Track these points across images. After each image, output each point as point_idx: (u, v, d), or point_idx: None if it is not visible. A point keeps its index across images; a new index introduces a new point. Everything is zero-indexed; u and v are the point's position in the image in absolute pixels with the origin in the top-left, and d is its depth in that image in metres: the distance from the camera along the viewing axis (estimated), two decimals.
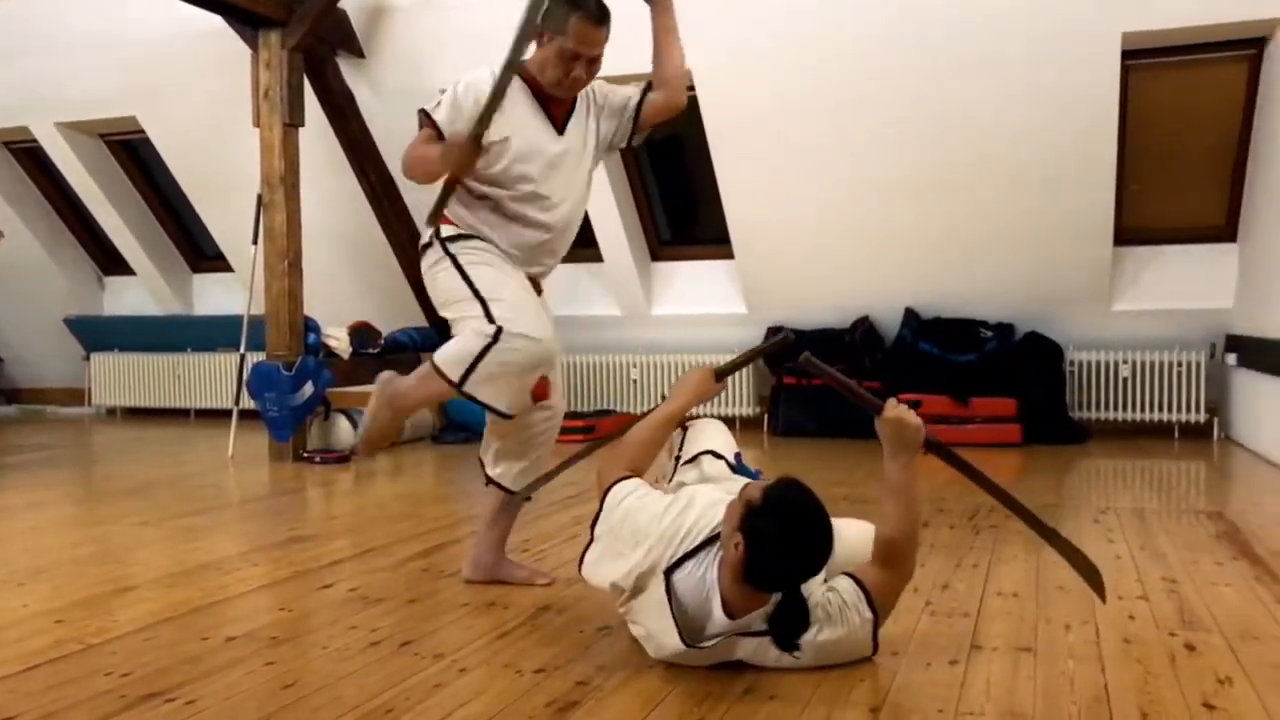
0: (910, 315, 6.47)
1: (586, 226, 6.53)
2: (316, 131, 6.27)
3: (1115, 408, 6.25)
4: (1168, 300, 6.13)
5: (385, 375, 2.78)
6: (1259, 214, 5.57)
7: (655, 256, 7.10)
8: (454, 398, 2.63)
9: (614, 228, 6.63)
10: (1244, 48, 5.41)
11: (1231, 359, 5.84)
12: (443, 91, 2.74)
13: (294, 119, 5.71)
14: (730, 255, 6.68)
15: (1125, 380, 6.20)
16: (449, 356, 2.62)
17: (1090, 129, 5.51)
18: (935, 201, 5.99)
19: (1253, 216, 5.70)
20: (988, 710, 1.99)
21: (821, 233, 6.33)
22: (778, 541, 2.04)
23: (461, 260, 2.68)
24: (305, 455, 5.75)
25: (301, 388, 5.73)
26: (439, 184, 2.69)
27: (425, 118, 2.71)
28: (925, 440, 2.27)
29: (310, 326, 6.01)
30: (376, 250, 7.09)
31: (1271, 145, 5.31)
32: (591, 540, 2.38)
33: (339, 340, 6.19)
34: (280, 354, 5.77)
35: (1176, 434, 6.17)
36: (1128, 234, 6.08)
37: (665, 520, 2.25)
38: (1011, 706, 2.00)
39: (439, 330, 7.32)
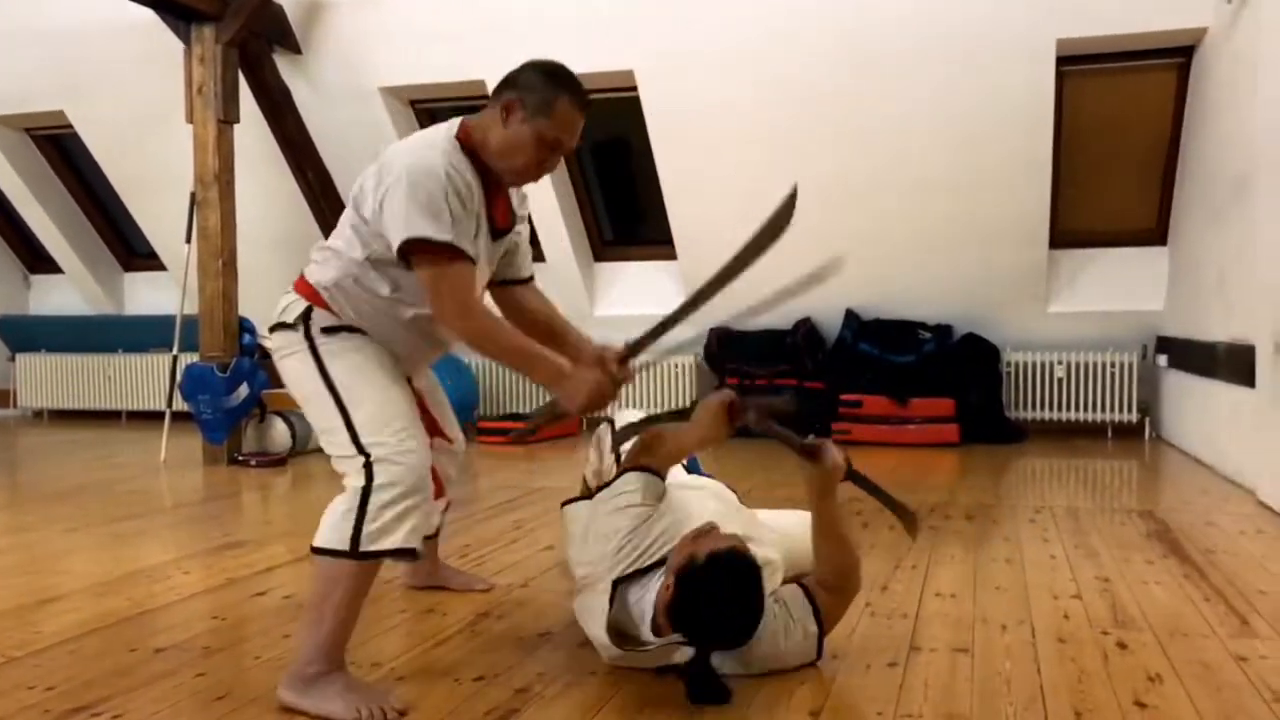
0: (851, 316, 6.52)
1: (529, 226, 6.51)
2: (252, 128, 6.16)
3: (1050, 408, 6.36)
4: (1101, 302, 6.25)
5: (282, 695, 2.09)
6: (1187, 218, 5.71)
7: (598, 257, 7.08)
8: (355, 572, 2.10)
9: (557, 227, 6.60)
10: (1173, 56, 5.54)
11: (1162, 360, 5.97)
12: (428, 195, 2.07)
13: (228, 115, 5.60)
14: (673, 256, 6.68)
15: (1060, 381, 6.32)
16: (326, 530, 2.11)
17: (1026, 133, 5.60)
18: (875, 204, 6.04)
19: (1182, 220, 5.84)
20: (925, 712, 2.00)
21: None
22: (701, 607, 2.01)
23: (327, 361, 2.19)
24: (240, 458, 5.64)
25: (236, 390, 5.62)
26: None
27: (436, 248, 2.06)
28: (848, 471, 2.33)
29: (245, 327, 5.89)
30: None
31: (1199, 151, 5.44)
32: (591, 494, 2.40)
33: None
34: (214, 355, 5.65)
35: (1110, 433, 6.30)
36: (1063, 237, 6.19)
37: (631, 540, 2.21)
38: (950, 708, 2.02)
39: None
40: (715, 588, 2.00)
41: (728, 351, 6.70)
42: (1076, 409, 6.31)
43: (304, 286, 2.26)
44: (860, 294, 6.51)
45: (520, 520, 3.96)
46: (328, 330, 2.21)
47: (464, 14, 5.91)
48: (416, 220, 2.05)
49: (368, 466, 2.09)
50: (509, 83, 2.19)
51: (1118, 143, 5.98)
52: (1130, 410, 6.21)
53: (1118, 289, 6.21)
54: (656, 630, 2.12)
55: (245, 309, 5.89)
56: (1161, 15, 5.18)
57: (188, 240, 5.85)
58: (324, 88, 6.41)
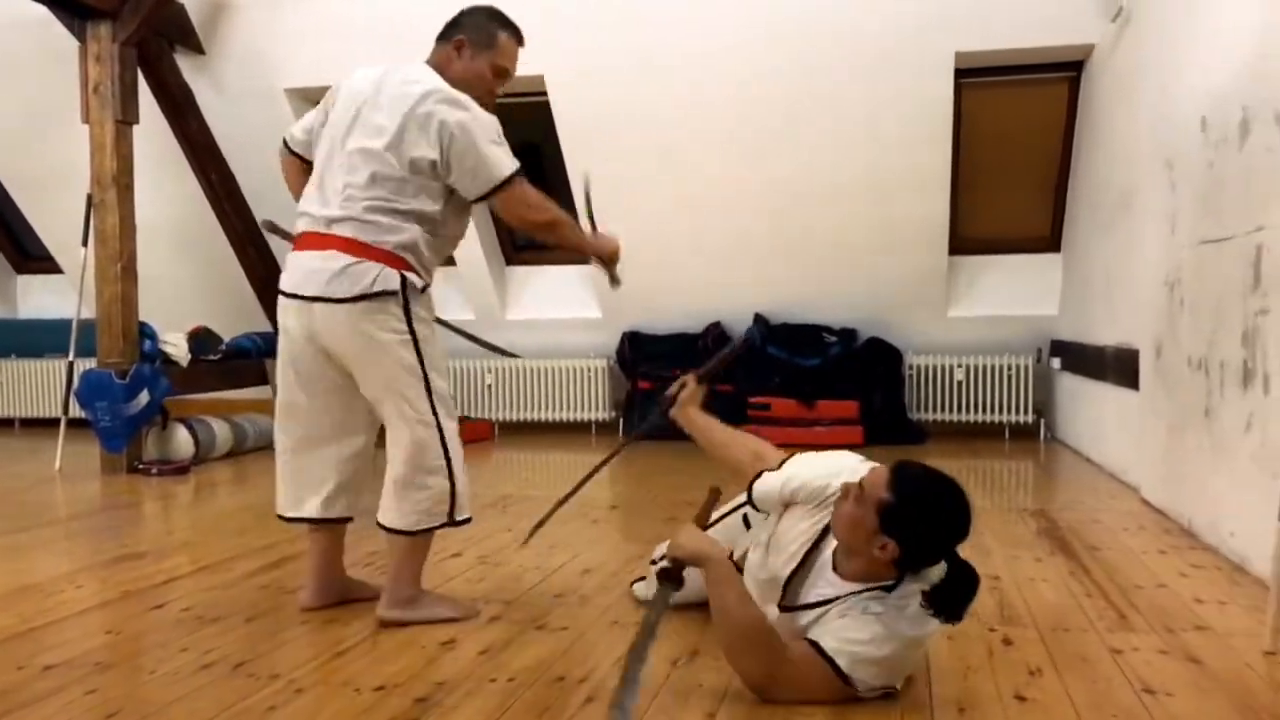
0: (759, 320, 6.62)
1: None
2: (152, 129, 6.01)
3: (950, 409, 6.55)
4: (998, 307, 6.46)
5: (389, 615, 2.64)
6: (1078, 227, 5.93)
7: (510, 260, 7.07)
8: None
9: (467, 230, 6.56)
10: (1064, 70, 5.76)
11: (1056, 363, 6.19)
12: (492, 136, 2.58)
13: (127, 116, 5.45)
14: (585, 260, 6.66)
15: (960, 384, 6.51)
16: (420, 514, 2.59)
17: (927, 144, 5.76)
18: (784, 210, 6.15)
19: (1073, 229, 6.07)
20: (819, 709, 2.06)
21: (674, 239, 6.42)
22: (929, 524, 2.01)
23: (417, 327, 2.56)
24: (141, 467, 5.50)
25: (136, 396, 5.47)
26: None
27: (516, 177, 2.62)
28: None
29: (146, 332, 5.74)
30: (217, 253, 6.84)
31: (1088, 163, 5.67)
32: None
33: (177, 346, 5.93)
34: (113, 361, 5.49)
35: (1007, 434, 6.51)
36: (962, 244, 6.38)
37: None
38: (842, 704, 2.08)
39: None
40: (928, 499, 2.03)
41: (639, 354, 6.75)
42: (975, 410, 6.51)
43: (384, 256, 2.51)
44: (769, 298, 6.62)
45: None
46: (420, 292, 2.58)
47: (372, 15, 5.85)
48: (508, 158, 2.58)
49: (444, 443, 2.57)
50: (455, 25, 2.64)
51: (1014, 153, 6.21)
52: (1026, 411, 6.43)
53: (1014, 294, 6.42)
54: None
55: (147, 313, 5.75)
56: (1052, 32, 5.39)
57: (85, 243, 5.68)
58: (228, 88, 6.29)
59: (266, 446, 6.32)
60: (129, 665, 2.42)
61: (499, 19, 2.67)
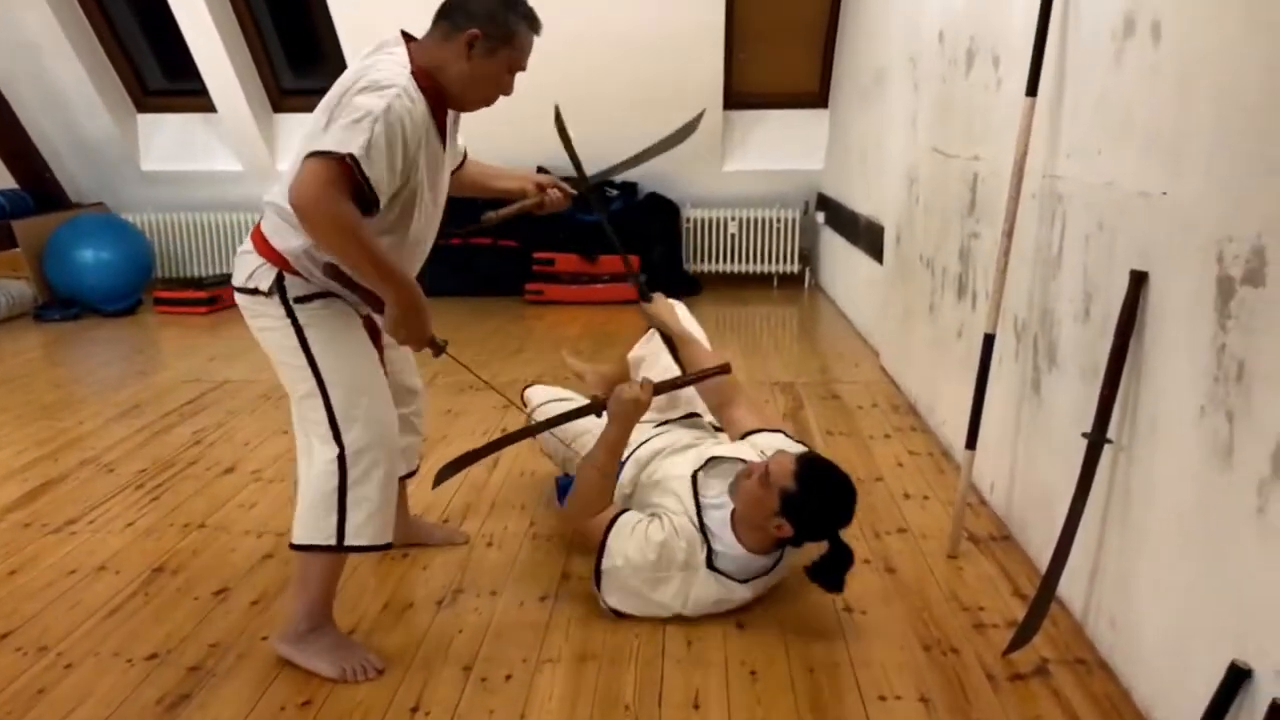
0: (543, 175, 6.61)
1: (196, 74, 6.12)
2: None
3: (724, 260, 6.86)
4: (770, 161, 6.70)
5: (278, 648, 2.29)
6: (842, 88, 6.16)
7: (278, 108, 6.72)
8: None
9: (225, 74, 6.18)
10: None
11: (820, 217, 6.54)
12: (354, 118, 1.98)
13: None
14: None
15: (733, 236, 6.80)
16: (308, 527, 2.19)
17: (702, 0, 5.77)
18: (562, 65, 6.03)
19: (838, 89, 6.29)
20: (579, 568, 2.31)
21: None
22: (822, 514, 2.36)
23: (308, 333, 2.18)
24: None
25: None
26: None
27: (347, 163, 1.96)
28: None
29: None
30: None
31: (853, 31, 5.84)
32: (600, 586, 2.46)
33: None
34: None
35: (775, 283, 6.90)
36: (737, 99, 6.52)
37: (679, 538, 2.43)
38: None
39: (35, 194, 6.62)
40: (821, 493, 2.35)
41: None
42: (747, 261, 6.84)
43: (269, 251, 2.17)
44: (552, 152, 6.55)
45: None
46: (301, 300, 2.19)
47: None
48: (345, 139, 1.97)
49: (341, 458, 2.18)
50: (464, 12, 2.18)
51: (788, 9, 6.28)
52: (793, 261, 6.81)
53: (785, 149, 6.67)
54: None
55: None
56: None
57: None
58: None
59: (22, 315, 6.00)
60: None
61: (515, 7, 2.21)
